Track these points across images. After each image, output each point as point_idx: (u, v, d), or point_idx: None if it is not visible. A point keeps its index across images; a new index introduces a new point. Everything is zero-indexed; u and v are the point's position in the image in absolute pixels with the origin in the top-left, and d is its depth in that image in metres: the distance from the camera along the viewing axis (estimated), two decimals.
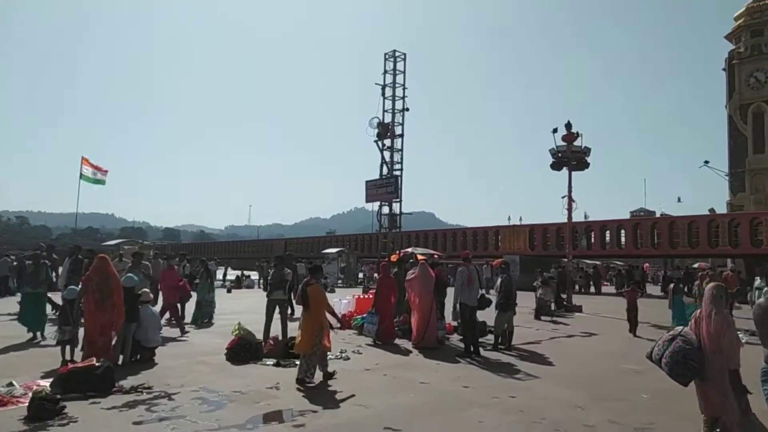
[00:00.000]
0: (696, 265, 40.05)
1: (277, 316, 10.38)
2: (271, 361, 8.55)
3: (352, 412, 6.08)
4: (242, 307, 16.50)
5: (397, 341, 11.20)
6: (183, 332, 11.56)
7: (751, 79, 35.01)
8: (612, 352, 11.02)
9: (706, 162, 36.41)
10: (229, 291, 25.28)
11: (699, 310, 4.44)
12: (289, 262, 10.94)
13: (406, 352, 10.21)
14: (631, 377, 8.58)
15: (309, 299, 7.54)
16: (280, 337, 9.66)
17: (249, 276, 34.15)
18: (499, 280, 11.37)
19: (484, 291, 11.08)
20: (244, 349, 8.67)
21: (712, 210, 37.62)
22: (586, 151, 19.84)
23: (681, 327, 4.64)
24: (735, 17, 36.85)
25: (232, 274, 38.32)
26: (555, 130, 19.97)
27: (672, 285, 14.74)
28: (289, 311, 11.83)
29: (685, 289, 16.13)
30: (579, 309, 19.86)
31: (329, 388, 7.16)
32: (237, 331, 9.07)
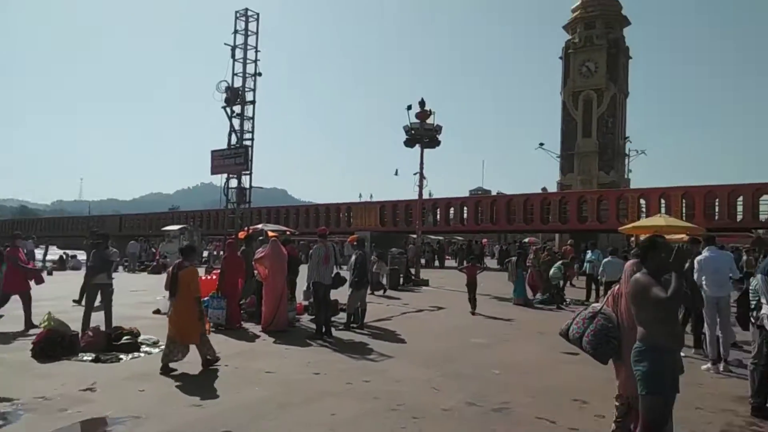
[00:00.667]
0: (527, 240, 43.56)
1: (99, 303, 9.00)
2: (89, 356, 7.27)
3: (184, 415, 5.20)
4: (64, 291, 14.43)
5: (245, 325, 10.35)
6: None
7: (583, 68, 38.30)
8: (459, 326, 11.16)
9: (541, 144, 39.37)
10: (50, 273, 22.33)
11: (616, 286, 4.30)
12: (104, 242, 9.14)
13: (252, 338, 9.41)
14: (480, 351, 8.64)
15: (180, 285, 6.78)
16: (103, 328, 8.34)
17: (75, 256, 30.57)
18: (354, 257, 10.95)
19: (338, 270, 10.57)
20: (54, 343, 7.29)
21: (544, 189, 40.90)
22: (438, 129, 20.13)
23: (598, 303, 4.47)
24: (572, 9, 39.93)
25: (55, 254, 34.12)
26: (409, 107, 19.99)
27: (514, 258, 15.47)
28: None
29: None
30: (426, 283, 20.32)
31: (162, 387, 6.19)
32: (46, 323, 7.63)
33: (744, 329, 6.09)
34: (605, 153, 38.17)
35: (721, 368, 7.27)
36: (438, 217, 38.04)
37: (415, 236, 26.09)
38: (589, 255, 17.15)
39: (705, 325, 7.74)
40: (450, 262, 35.74)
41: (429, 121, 19.90)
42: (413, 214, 35.37)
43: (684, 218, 25.74)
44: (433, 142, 20.13)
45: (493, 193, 57.50)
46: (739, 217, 27.29)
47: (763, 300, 5.44)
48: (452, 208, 37.15)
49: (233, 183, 16.80)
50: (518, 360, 8.05)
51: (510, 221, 34.05)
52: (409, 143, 20.27)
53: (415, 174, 21.09)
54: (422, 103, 19.79)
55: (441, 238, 45.79)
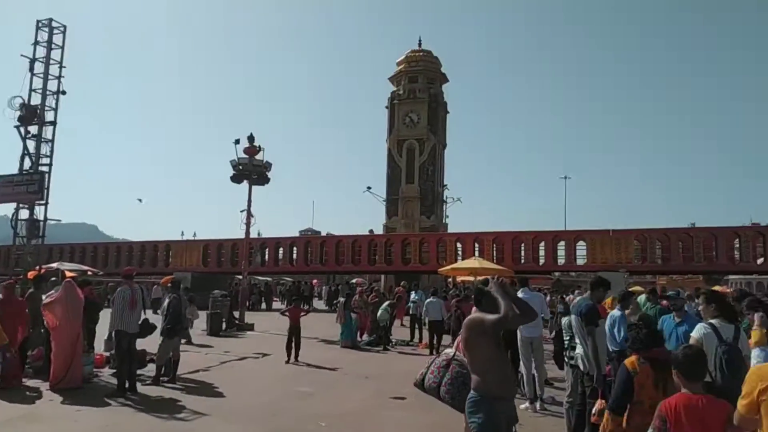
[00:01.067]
0: (354, 281, 44.16)
1: None
2: None
3: None
4: None
5: (29, 382, 8.66)
6: None
7: (407, 119, 40.47)
8: (285, 374, 10.53)
9: (369, 188, 40.50)
10: None
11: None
12: None
13: (35, 398, 7.86)
14: (306, 402, 8.11)
15: None
16: None
17: None
18: (167, 301, 9.82)
19: (145, 316, 9.35)
20: None
21: (371, 231, 41.94)
22: (268, 165, 19.54)
23: (450, 350, 4.26)
24: (397, 62, 42.26)
25: None
26: (237, 141, 19.18)
27: (342, 300, 15.25)
28: None
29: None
30: (251, 327, 19.29)
31: None
32: None
33: (560, 368, 6.34)
34: (426, 199, 40.40)
35: (537, 407, 7.55)
36: (266, 257, 36.92)
37: (240, 277, 24.83)
38: (413, 296, 17.59)
39: (521, 364, 8.06)
40: (278, 304, 34.70)
41: (258, 156, 19.25)
42: (239, 253, 33.91)
43: (494, 261, 27.79)
44: (262, 179, 19.46)
45: (323, 233, 57.73)
46: (541, 261, 30.27)
47: (577, 340, 5.70)
48: (281, 248, 36.34)
49: (24, 214, 14.49)
50: (346, 409, 7.65)
51: (339, 262, 34.17)
52: (236, 179, 19.36)
53: (242, 211, 20.15)
54: (251, 138, 19.12)
55: (269, 279, 44.52)
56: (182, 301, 9.62)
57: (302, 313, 12.30)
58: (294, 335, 11.86)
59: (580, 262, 30.19)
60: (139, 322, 8.60)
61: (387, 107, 41.80)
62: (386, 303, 14.80)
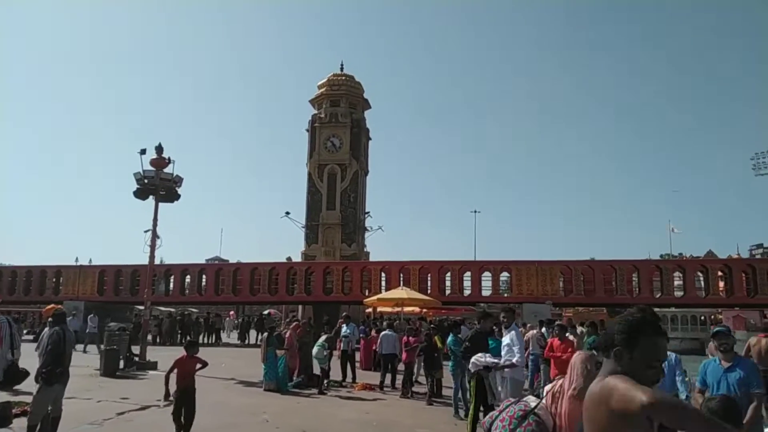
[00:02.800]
0: (267, 312, 41.55)
1: None
2: None
3: None
4: None
5: None
6: None
7: (328, 143, 38.97)
8: (199, 428, 8.43)
9: (287, 213, 38.40)
10: None
11: (558, 381, 3.27)
12: None
13: None
14: None
15: None
16: None
17: None
18: (46, 336, 7.51)
19: (14, 358, 7.05)
20: None
21: (289, 258, 39.70)
22: (178, 180, 17.26)
23: (534, 399, 3.32)
24: (318, 85, 40.87)
25: None
26: (143, 152, 16.82)
27: (266, 334, 13.22)
28: None
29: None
30: (154, 366, 16.73)
31: None
32: None
33: None
34: (348, 226, 38.86)
35: None
36: (171, 285, 33.71)
37: (142, 307, 22.00)
38: (344, 329, 15.80)
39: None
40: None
41: (167, 170, 16.94)
42: (141, 281, 30.65)
43: (419, 291, 26.63)
44: (171, 195, 17.11)
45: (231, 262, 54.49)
46: (467, 292, 29.46)
47: None
48: (188, 276, 33.32)
49: None
50: None
51: (254, 291, 31.70)
52: (140, 194, 16.90)
53: (146, 231, 17.63)
54: (159, 149, 16.80)
55: (172, 309, 41.08)
56: (67, 336, 7.35)
57: (198, 366, 7.91)
58: (185, 403, 7.63)
59: (507, 292, 29.73)
60: (4, 367, 6.36)
61: (307, 130, 40.17)
62: (322, 338, 12.84)
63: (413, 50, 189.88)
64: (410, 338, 12.51)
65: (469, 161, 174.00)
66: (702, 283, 27.68)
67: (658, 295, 27.86)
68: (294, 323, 14.58)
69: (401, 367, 13.09)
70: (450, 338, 10.40)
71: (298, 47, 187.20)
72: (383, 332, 14.70)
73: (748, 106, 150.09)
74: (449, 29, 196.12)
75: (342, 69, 41.71)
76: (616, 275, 27.86)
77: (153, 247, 17.91)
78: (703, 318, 51.97)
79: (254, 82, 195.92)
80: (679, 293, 27.73)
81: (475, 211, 63.52)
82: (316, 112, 40.50)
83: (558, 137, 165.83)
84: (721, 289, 27.75)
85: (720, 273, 27.55)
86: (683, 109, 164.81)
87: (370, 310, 31.87)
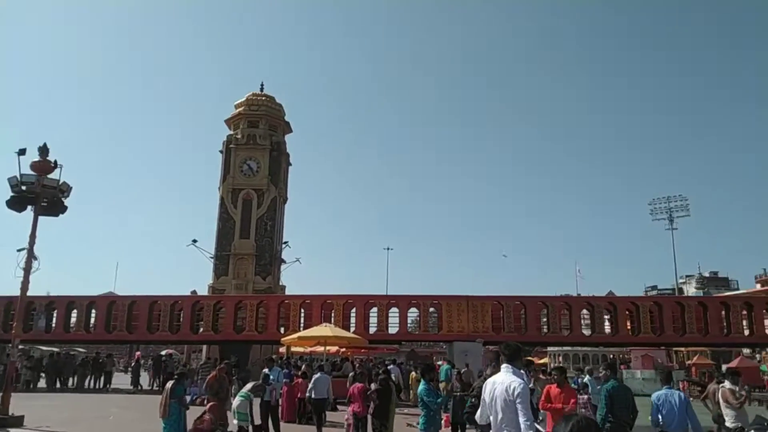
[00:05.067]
0: (165, 353, 37.24)
1: None
2: None
3: None
4: None
5: None
6: None
7: (245, 166, 36.03)
8: None
9: (194, 241, 34.92)
10: None
11: None
12: None
13: None
14: None
15: None
16: None
17: None
18: None
19: None
20: None
21: (194, 292, 35.95)
22: (65, 189, 14.05)
23: None
24: (236, 105, 38.06)
25: None
26: (22, 152, 13.56)
27: (171, 382, 10.30)
28: None
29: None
30: (20, 421, 13.25)
31: None
32: None
33: None
34: (263, 257, 35.78)
35: None
36: (54, 321, 29.05)
37: (11, 346, 18.05)
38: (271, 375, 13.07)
39: None
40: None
41: (52, 176, 13.73)
42: (14, 315, 26.03)
43: (343, 327, 24.29)
44: (56, 207, 13.85)
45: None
46: (393, 329, 27.34)
47: None
48: (75, 310, 28.86)
49: None
50: None
51: (152, 329, 27.80)
52: (15, 204, 13.52)
53: (20, 250, 14.16)
54: (44, 150, 13.60)
55: (56, 349, 35.96)
56: None
57: None
58: None
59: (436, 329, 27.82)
60: None
61: (221, 151, 37.07)
62: (248, 386, 10.03)
63: (339, 75, 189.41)
64: (363, 384, 10.17)
65: (391, 192, 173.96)
66: (618, 321, 27.29)
67: (588, 333, 27.17)
68: (221, 367, 11.66)
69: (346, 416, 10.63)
70: (421, 386, 8.06)
71: (215, 62, 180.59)
72: (316, 375, 13.20)
73: (644, 152, 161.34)
74: (377, 55, 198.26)
75: (262, 89, 39.22)
76: (548, 312, 26.85)
77: (28, 270, 14.45)
78: (612, 356, 52.83)
79: (163, 95, 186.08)
80: (605, 331, 27.19)
81: (388, 248, 65.24)
82: (231, 132, 37.58)
83: (475, 173, 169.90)
84: (628, 327, 27.51)
85: (627, 311, 27.25)
86: (585, 154, 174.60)
87: (283, 349, 28.95)
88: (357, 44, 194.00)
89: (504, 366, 4.88)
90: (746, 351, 45.58)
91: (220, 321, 27.92)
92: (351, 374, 15.35)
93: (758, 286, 66.59)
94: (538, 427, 5.01)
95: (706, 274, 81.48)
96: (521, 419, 4.53)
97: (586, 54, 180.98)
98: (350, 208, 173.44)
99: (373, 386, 9.66)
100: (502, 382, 4.75)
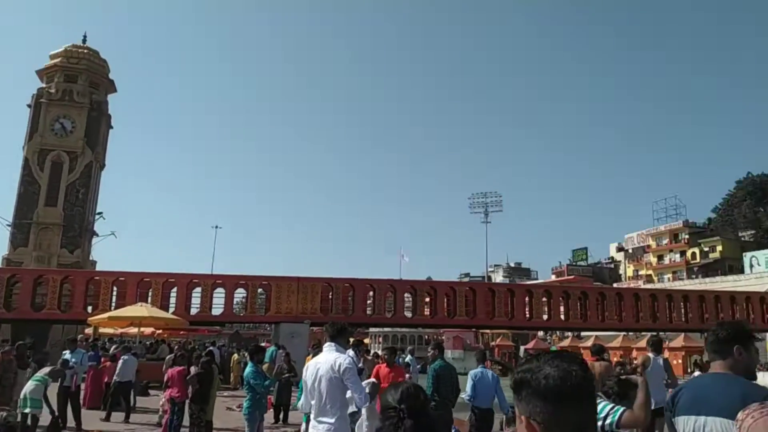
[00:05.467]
0: None
1: None
2: None
3: None
4: None
5: None
6: None
7: (57, 125, 31.96)
8: None
9: None
10: None
11: None
12: None
13: None
14: None
15: None
16: None
17: None
18: None
19: None
20: None
21: None
22: None
23: None
24: (51, 55, 33.52)
25: None
26: None
27: None
28: None
29: None
30: None
31: None
32: None
33: None
34: (71, 228, 32.12)
35: None
36: None
37: None
38: (67, 356, 11.65)
39: None
40: None
41: None
42: None
43: (161, 308, 22.79)
44: None
45: None
46: (217, 311, 26.21)
47: None
48: None
49: None
50: None
51: None
52: None
53: None
54: None
55: None
56: None
57: None
58: None
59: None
60: None
61: (30, 105, 32.53)
62: (45, 370, 8.50)
63: (174, 38, 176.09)
64: (183, 368, 9.49)
65: (224, 167, 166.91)
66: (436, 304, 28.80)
67: (409, 315, 28.54)
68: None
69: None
70: (249, 368, 7.58)
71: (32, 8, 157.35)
72: (124, 358, 12.60)
73: (470, 148, 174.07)
74: (222, 27, 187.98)
75: (85, 41, 35.07)
76: (375, 294, 27.68)
77: None
78: (427, 337, 56.40)
79: None
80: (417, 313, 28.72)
81: (216, 227, 63.72)
82: (44, 85, 33.11)
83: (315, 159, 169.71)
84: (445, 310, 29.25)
85: (446, 296, 28.90)
86: (419, 151, 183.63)
87: (90, 330, 26.40)
88: (203, 16, 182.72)
89: (327, 344, 4.63)
90: (540, 334, 51.64)
91: (14, 297, 24.59)
92: (169, 357, 14.38)
93: (554, 277, 75.82)
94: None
95: (512, 265, 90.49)
96: (354, 395, 4.34)
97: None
98: (179, 182, 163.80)
99: (193, 369, 9.07)
100: (327, 360, 4.47)
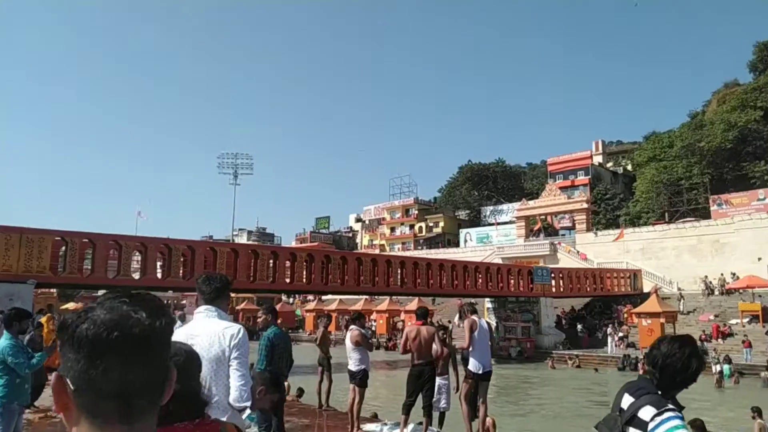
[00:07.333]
0: None
1: None
2: None
3: None
4: None
5: None
6: None
7: None
8: None
9: None
10: None
11: None
12: None
13: None
14: None
15: None
16: None
17: None
18: None
19: None
20: None
21: None
22: None
23: None
24: None
25: None
26: None
27: None
28: None
29: None
30: None
31: None
32: None
33: None
34: None
35: None
36: None
37: None
38: None
39: None
40: None
41: None
42: None
43: None
44: None
45: None
46: None
47: None
48: None
49: None
50: None
51: None
52: None
53: None
54: None
55: None
56: None
57: None
58: None
59: None
60: None
61: None
62: None
63: None
64: None
65: None
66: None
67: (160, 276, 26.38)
68: None
69: None
70: (3, 340, 5.38)
71: None
72: None
73: (218, 106, 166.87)
74: None
75: None
76: (120, 252, 24.86)
77: None
78: (168, 301, 53.26)
79: None
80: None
81: None
82: None
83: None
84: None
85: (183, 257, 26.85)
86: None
87: None
88: None
89: (204, 309, 3.22)
90: (284, 297, 52.78)
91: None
92: None
93: (297, 243, 77.86)
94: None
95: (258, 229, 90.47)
96: (237, 383, 3.03)
97: None
98: None
99: None
100: (208, 332, 3.09)
